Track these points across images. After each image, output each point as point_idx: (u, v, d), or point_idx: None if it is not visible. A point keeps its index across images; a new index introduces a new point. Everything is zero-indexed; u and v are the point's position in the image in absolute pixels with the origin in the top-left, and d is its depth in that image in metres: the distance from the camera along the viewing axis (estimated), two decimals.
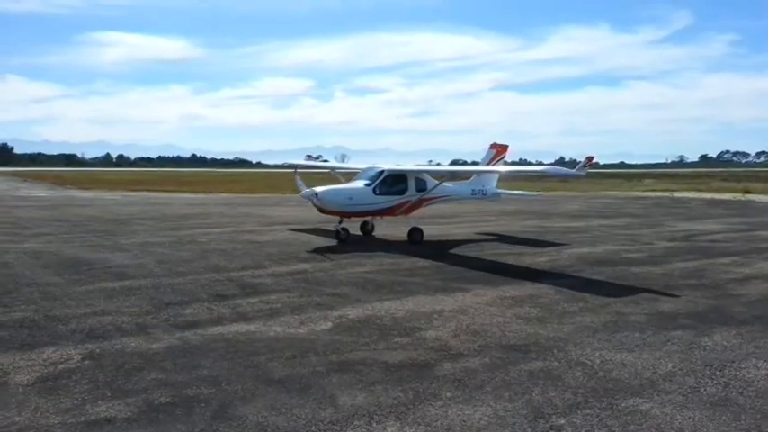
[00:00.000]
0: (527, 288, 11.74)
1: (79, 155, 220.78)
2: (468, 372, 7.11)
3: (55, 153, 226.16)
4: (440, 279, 12.61)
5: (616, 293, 11.35)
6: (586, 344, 8.22)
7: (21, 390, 6.45)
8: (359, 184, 18.47)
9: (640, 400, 6.34)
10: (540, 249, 17.06)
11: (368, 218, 19.14)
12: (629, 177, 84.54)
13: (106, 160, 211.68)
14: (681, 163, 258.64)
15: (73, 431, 5.53)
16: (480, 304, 10.40)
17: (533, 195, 25.63)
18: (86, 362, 7.31)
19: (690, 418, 5.94)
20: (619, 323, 9.29)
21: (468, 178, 21.48)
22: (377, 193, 17.95)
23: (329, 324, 9.08)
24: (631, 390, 6.63)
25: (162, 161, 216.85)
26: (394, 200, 18.23)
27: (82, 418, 5.78)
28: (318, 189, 17.56)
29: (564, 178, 32.28)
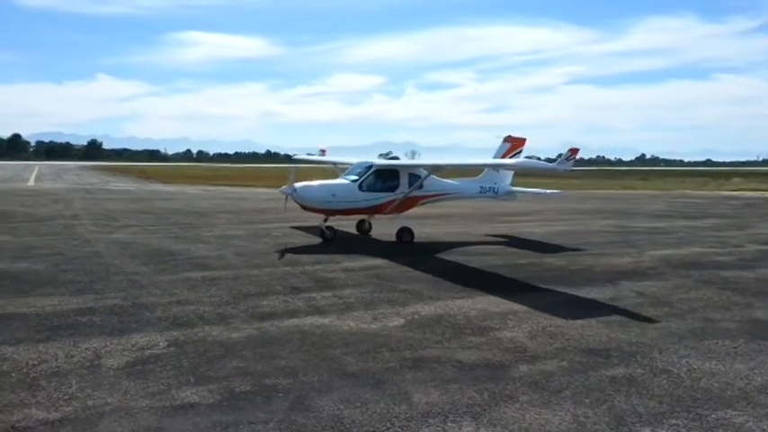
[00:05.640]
0: (607, 290, 11.31)
1: (162, 150, 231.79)
2: (546, 375, 6.92)
3: (140, 149, 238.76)
4: (514, 279, 12.36)
5: (704, 298, 10.76)
6: (672, 351, 7.82)
7: (112, 373, 6.81)
8: (345, 179, 17.12)
9: (733, 413, 5.96)
10: (619, 250, 16.40)
11: (362, 216, 18.02)
12: (715, 176, 79.99)
13: (187, 156, 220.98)
14: None
15: (159, 415, 5.78)
16: (557, 306, 10.10)
17: (551, 193, 23.46)
18: (171, 348, 7.63)
19: None
20: (707, 330, 8.79)
21: (474, 172, 19.85)
22: (363, 189, 16.60)
23: (401, 320, 9.08)
24: (722, 401, 6.25)
25: (239, 157, 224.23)
26: (382, 197, 16.81)
27: (168, 403, 6.03)
28: (298, 184, 16.47)
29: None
